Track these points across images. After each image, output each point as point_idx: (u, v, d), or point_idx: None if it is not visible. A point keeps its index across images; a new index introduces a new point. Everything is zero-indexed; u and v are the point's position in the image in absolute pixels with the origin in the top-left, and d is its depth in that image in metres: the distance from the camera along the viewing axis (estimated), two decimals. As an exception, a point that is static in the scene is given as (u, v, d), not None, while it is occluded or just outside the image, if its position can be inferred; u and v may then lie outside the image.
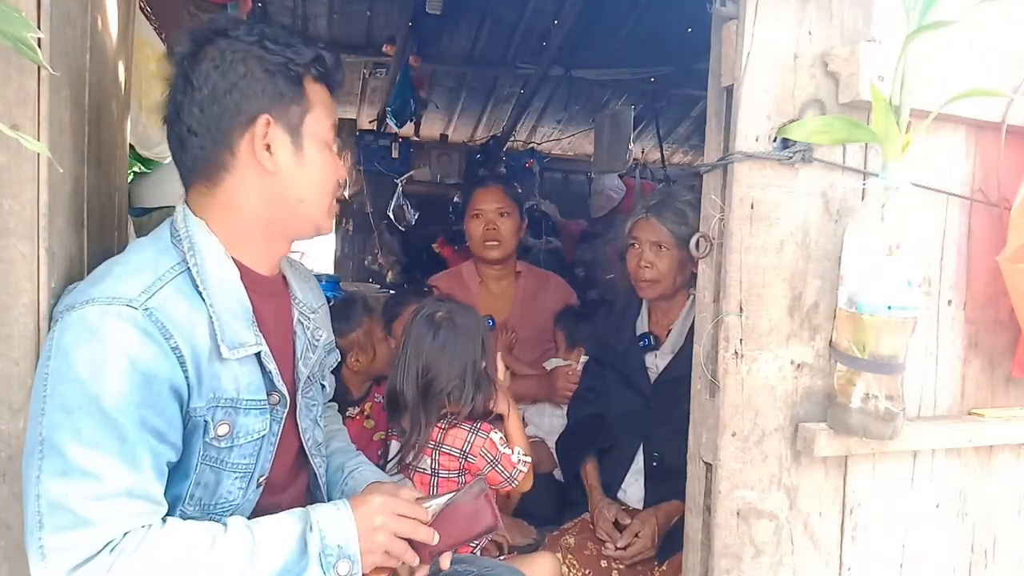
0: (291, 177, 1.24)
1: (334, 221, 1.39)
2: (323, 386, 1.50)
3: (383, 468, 1.79)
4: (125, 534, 1.04)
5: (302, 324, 1.38)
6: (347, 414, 2.39)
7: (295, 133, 1.23)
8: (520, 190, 3.44)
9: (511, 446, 1.88)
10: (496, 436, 1.85)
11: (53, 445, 1.02)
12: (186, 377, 1.12)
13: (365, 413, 2.47)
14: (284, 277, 1.40)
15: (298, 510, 1.21)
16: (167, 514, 1.14)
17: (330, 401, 1.66)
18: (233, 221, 1.24)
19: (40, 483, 1.02)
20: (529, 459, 1.89)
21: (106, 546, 1.02)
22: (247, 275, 1.25)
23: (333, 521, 1.19)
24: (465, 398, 1.84)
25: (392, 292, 4.23)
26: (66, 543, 1.01)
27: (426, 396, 1.84)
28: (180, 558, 1.06)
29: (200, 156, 1.22)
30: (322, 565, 1.14)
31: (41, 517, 1.01)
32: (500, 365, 1.96)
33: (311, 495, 1.46)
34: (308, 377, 1.38)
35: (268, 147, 1.21)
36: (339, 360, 1.60)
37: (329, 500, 1.40)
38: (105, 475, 1.02)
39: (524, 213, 3.00)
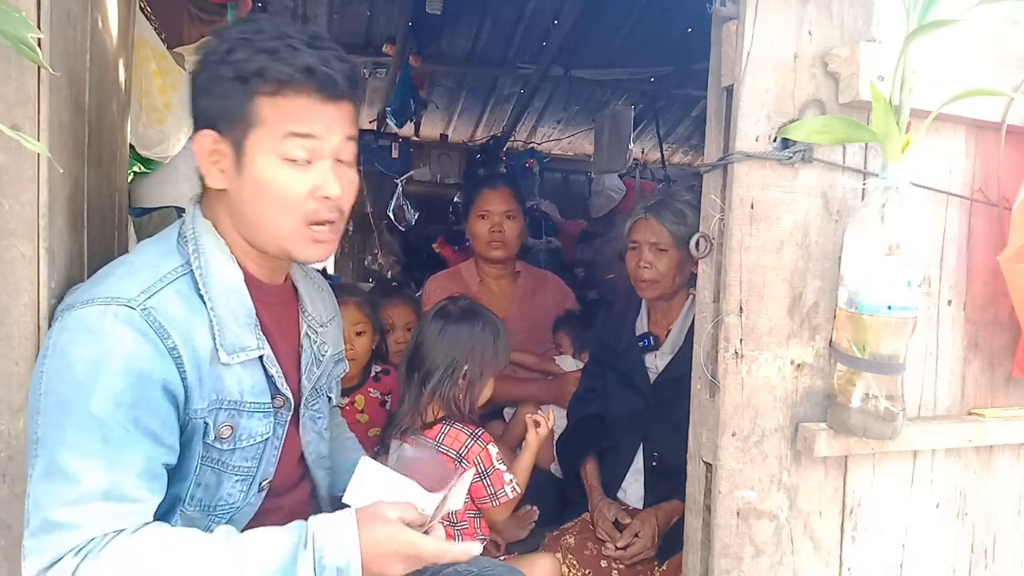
0: (238, 196, 1.17)
1: (319, 251, 1.21)
2: (329, 398, 1.48)
3: None
4: (92, 539, 1.01)
5: (309, 337, 1.36)
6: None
7: (239, 150, 1.14)
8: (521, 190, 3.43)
9: (509, 471, 1.88)
10: (493, 450, 1.85)
11: (44, 444, 1.03)
12: (183, 378, 1.10)
13: (358, 407, 2.38)
14: (295, 287, 1.37)
15: (296, 523, 1.12)
16: (167, 515, 1.13)
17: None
18: (227, 225, 1.22)
19: (31, 482, 1.03)
20: (519, 490, 1.88)
21: (71, 549, 1.00)
22: (250, 281, 1.23)
23: (333, 538, 1.08)
24: (444, 391, 1.86)
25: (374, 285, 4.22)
26: (39, 545, 1.01)
27: (412, 375, 1.91)
28: (148, 563, 1.02)
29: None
30: None
31: (28, 516, 1.02)
32: (487, 391, 1.93)
33: (315, 503, 1.43)
34: (314, 389, 1.37)
35: (218, 163, 1.15)
36: (347, 371, 1.58)
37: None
38: (83, 478, 1.01)
39: (526, 213, 2.99)
